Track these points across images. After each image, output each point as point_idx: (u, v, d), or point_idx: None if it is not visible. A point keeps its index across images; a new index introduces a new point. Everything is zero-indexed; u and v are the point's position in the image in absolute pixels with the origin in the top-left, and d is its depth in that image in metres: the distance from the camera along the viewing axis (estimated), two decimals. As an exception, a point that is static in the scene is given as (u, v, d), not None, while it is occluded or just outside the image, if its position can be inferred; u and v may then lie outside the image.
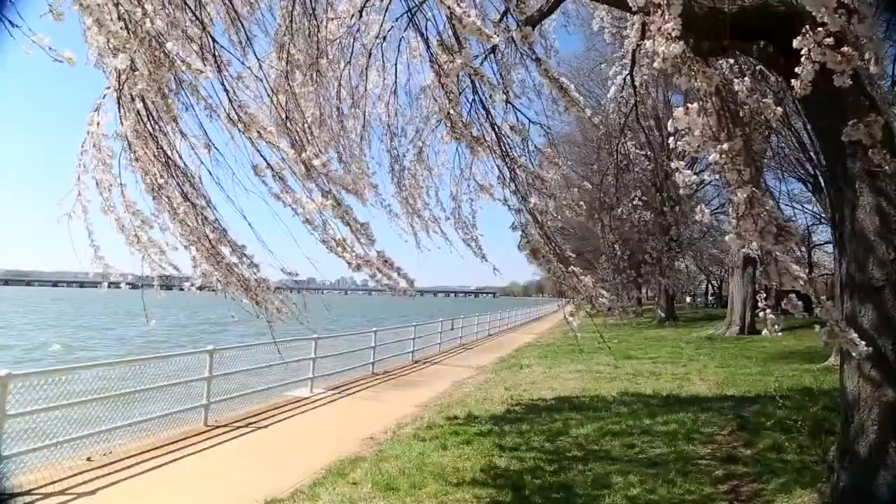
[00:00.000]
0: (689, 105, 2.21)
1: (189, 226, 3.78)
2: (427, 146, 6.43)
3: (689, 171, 2.38)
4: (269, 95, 3.94)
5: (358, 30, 5.61)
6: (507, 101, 4.36)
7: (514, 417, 7.27)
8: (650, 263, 9.34)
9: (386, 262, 3.56)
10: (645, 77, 6.00)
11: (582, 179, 18.99)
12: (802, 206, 21.69)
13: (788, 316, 2.74)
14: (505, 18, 3.43)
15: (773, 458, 5.12)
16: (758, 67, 4.76)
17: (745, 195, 2.19)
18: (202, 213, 3.70)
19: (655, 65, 2.10)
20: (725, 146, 2.13)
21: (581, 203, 4.10)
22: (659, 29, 2.02)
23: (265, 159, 3.17)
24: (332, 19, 5.26)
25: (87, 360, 12.07)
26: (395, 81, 6.08)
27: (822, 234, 23.86)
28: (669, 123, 2.29)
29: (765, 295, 2.55)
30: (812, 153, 12.63)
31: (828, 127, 3.48)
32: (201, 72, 2.58)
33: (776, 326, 2.61)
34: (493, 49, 4.81)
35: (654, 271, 10.51)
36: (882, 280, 3.24)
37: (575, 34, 8.66)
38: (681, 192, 2.38)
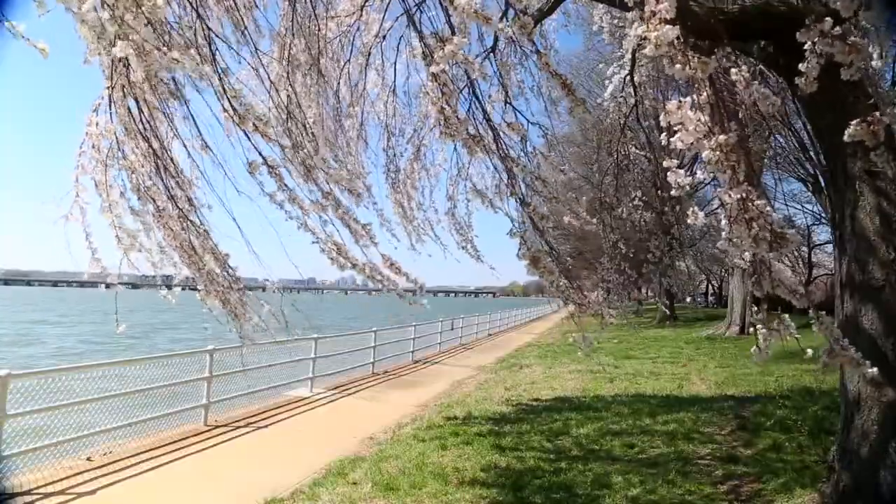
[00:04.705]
0: (681, 99, 2.03)
1: (173, 229, 3.70)
2: (425, 145, 6.41)
3: (682, 172, 2.16)
4: (268, 91, 3.87)
5: (358, 29, 5.60)
6: (507, 102, 4.34)
7: (514, 417, 7.26)
8: (653, 262, 9.29)
9: (392, 265, 3.47)
10: (644, 78, 5.99)
11: (582, 179, 19.00)
12: (802, 206, 21.75)
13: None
14: (506, 17, 3.40)
15: (773, 458, 5.12)
16: (758, 67, 4.75)
17: (738, 196, 1.98)
18: (187, 217, 3.61)
19: (647, 51, 1.92)
20: (721, 139, 1.94)
21: (581, 210, 3.98)
22: (652, 12, 1.85)
23: (261, 155, 2.97)
24: (333, 17, 5.26)
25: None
26: (395, 80, 6.08)
27: (822, 234, 23.89)
28: (661, 118, 2.10)
29: (756, 308, 2.32)
30: (812, 153, 12.62)
31: (828, 127, 3.47)
32: (177, 61, 2.25)
33: (767, 342, 2.34)
34: (494, 48, 4.80)
35: (656, 271, 10.47)
36: (882, 280, 3.24)
37: (575, 34, 8.65)
38: (672, 192, 2.18)
